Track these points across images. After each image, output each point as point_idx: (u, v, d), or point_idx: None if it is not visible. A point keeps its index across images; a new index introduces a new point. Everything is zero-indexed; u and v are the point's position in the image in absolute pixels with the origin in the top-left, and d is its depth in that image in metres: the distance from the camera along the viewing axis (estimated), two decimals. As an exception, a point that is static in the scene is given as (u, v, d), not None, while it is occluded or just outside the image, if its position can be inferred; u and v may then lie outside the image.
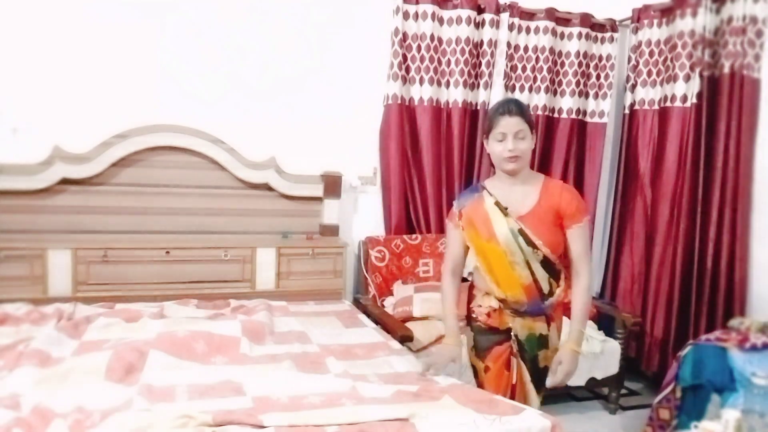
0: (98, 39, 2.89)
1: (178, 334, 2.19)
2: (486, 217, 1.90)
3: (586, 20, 3.62)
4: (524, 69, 3.58)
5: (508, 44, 3.49)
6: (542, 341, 1.94)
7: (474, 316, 2.00)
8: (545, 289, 1.88)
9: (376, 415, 1.60)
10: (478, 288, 2.02)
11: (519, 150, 1.81)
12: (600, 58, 3.73)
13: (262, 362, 2.13)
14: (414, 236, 3.42)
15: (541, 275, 1.87)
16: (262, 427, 1.54)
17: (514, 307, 1.92)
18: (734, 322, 2.73)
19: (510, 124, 1.81)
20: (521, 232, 1.84)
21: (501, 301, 1.94)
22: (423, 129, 3.42)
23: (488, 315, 1.96)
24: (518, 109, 1.82)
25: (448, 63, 3.44)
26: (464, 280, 3.42)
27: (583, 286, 1.89)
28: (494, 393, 1.88)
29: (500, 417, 1.66)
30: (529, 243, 1.84)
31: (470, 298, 2.04)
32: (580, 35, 3.62)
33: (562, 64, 3.66)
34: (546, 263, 1.86)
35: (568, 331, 1.92)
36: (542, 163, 3.67)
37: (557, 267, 1.89)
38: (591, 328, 3.24)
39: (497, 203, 1.89)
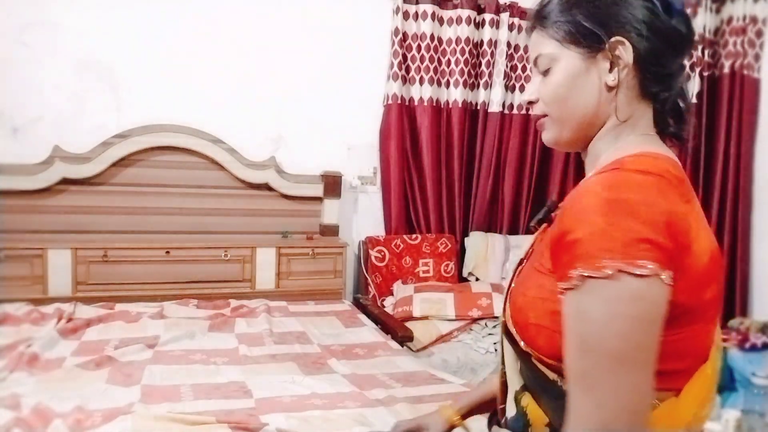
0: (98, 39, 2.89)
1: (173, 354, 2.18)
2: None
3: (586, 20, 3.61)
4: (524, 69, 3.58)
5: (508, 44, 3.49)
6: None
7: None
8: (511, 412, 0.85)
9: (378, 426, 1.60)
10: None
11: (542, 97, 0.83)
12: (600, 58, 3.73)
13: (263, 362, 2.13)
14: (414, 236, 3.42)
15: (514, 388, 0.84)
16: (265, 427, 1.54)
17: None
18: (734, 322, 2.74)
19: (530, 50, 0.86)
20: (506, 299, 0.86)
21: None
22: (423, 129, 3.42)
23: None
24: (538, 13, 0.83)
25: (448, 63, 3.43)
26: (464, 279, 3.45)
27: None
28: None
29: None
30: (505, 325, 0.84)
31: None
32: (580, 35, 3.61)
33: (562, 64, 3.66)
34: (531, 370, 0.79)
35: None
36: (542, 163, 3.67)
37: (554, 383, 0.75)
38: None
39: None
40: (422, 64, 3.39)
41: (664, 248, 0.64)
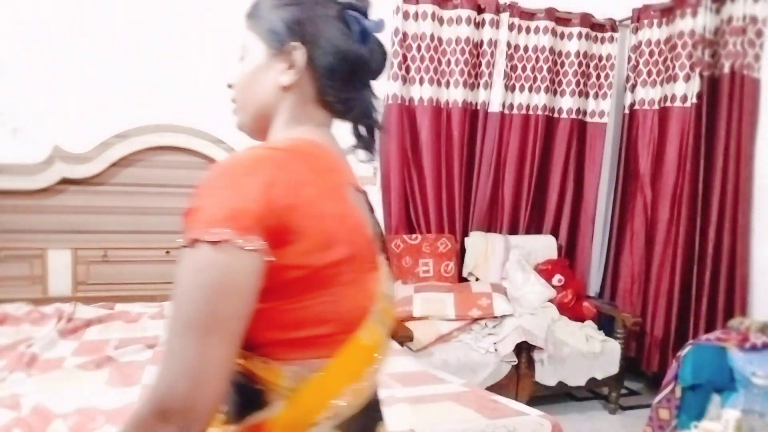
0: (98, 39, 2.89)
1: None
2: None
3: (586, 20, 3.62)
4: (524, 69, 3.58)
5: (508, 44, 3.49)
6: None
7: None
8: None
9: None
10: None
11: (233, 83, 0.89)
12: (600, 58, 3.73)
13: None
14: (414, 236, 3.42)
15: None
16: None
17: None
18: (734, 322, 2.74)
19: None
20: None
21: None
22: (423, 129, 3.42)
23: None
24: (252, 6, 0.87)
25: (448, 63, 3.43)
26: (464, 279, 3.45)
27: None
28: None
29: (501, 419, 1.66)
30: None
31: None
32: (580, 35, 3.62)
33: (562, 64, 3.66)
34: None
35: None
36: (542, 163, 3.67)
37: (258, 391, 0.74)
38: (591, 327, 3.24)
39: None
40: (422, 64, 3.39)
41: (256, 216, 0.65)
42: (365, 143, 0.89)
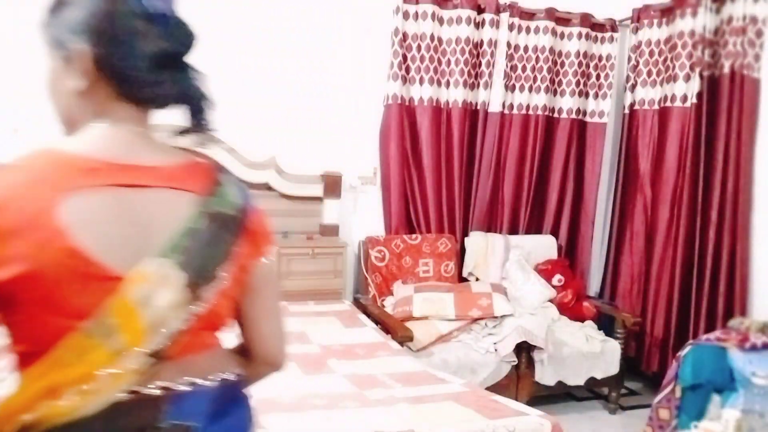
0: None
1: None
2: None
3: (586, 20, 3.62)
4: (524, 69, 3.58)
5: (508, 44, 3.49)
6: None
7: None
8: None
9: (378, 425, 1.60)
10: None
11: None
12: (600, 58, 3.73)
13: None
14: (414, 236, 3.42)
15: None
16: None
17: None
18: (734, 322, 2.74)
19: None
20: None
21: None
22: (423, 129, 3.42)
23: None
24: (47, 11, 0.84)
25: (448, 63, 3.44)
26: (464, 279, 3.46)
27: None
28: None
29: (501, 419, 1.66)
30: None
31: None
32: (580, 35, 3.62)
33: (562, 64, 3.66)
34: None
35: None
36: (542, 163, 3.67)
37: None
38: (591, 327, 3.24)
39: None
40: (422, 64, 3.39)
41: None
42: (195, 125, 0.86)
